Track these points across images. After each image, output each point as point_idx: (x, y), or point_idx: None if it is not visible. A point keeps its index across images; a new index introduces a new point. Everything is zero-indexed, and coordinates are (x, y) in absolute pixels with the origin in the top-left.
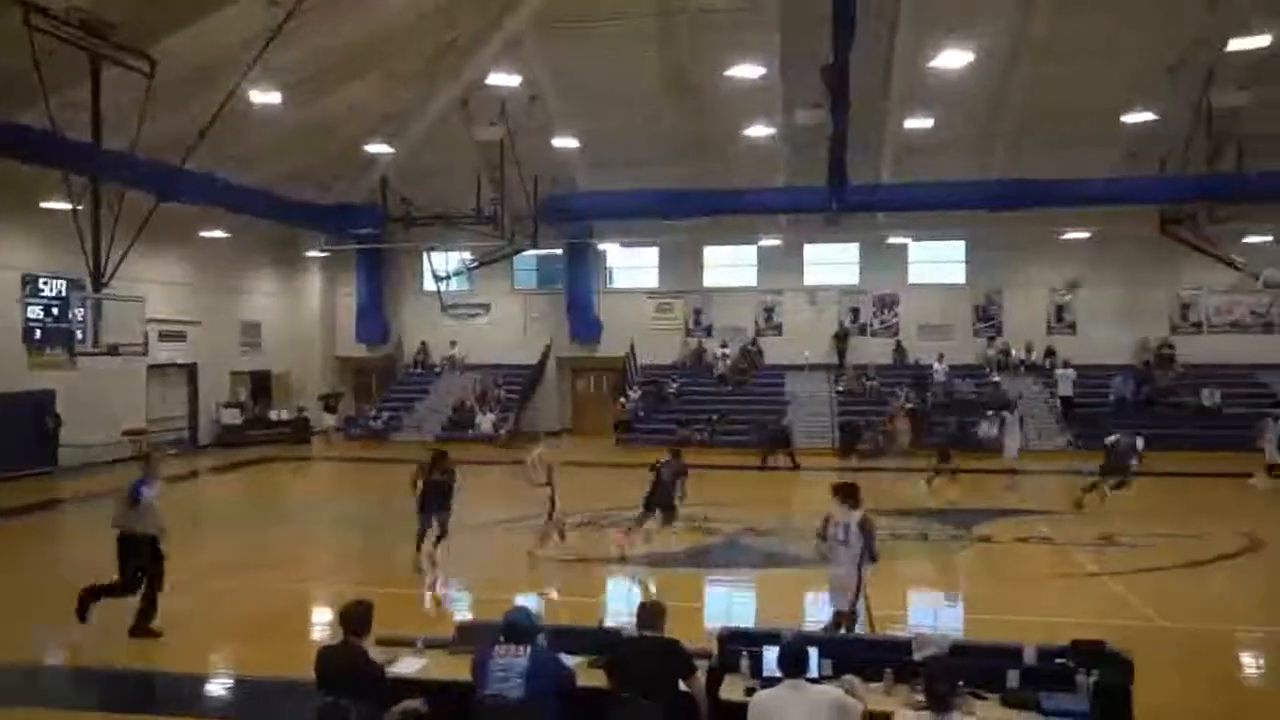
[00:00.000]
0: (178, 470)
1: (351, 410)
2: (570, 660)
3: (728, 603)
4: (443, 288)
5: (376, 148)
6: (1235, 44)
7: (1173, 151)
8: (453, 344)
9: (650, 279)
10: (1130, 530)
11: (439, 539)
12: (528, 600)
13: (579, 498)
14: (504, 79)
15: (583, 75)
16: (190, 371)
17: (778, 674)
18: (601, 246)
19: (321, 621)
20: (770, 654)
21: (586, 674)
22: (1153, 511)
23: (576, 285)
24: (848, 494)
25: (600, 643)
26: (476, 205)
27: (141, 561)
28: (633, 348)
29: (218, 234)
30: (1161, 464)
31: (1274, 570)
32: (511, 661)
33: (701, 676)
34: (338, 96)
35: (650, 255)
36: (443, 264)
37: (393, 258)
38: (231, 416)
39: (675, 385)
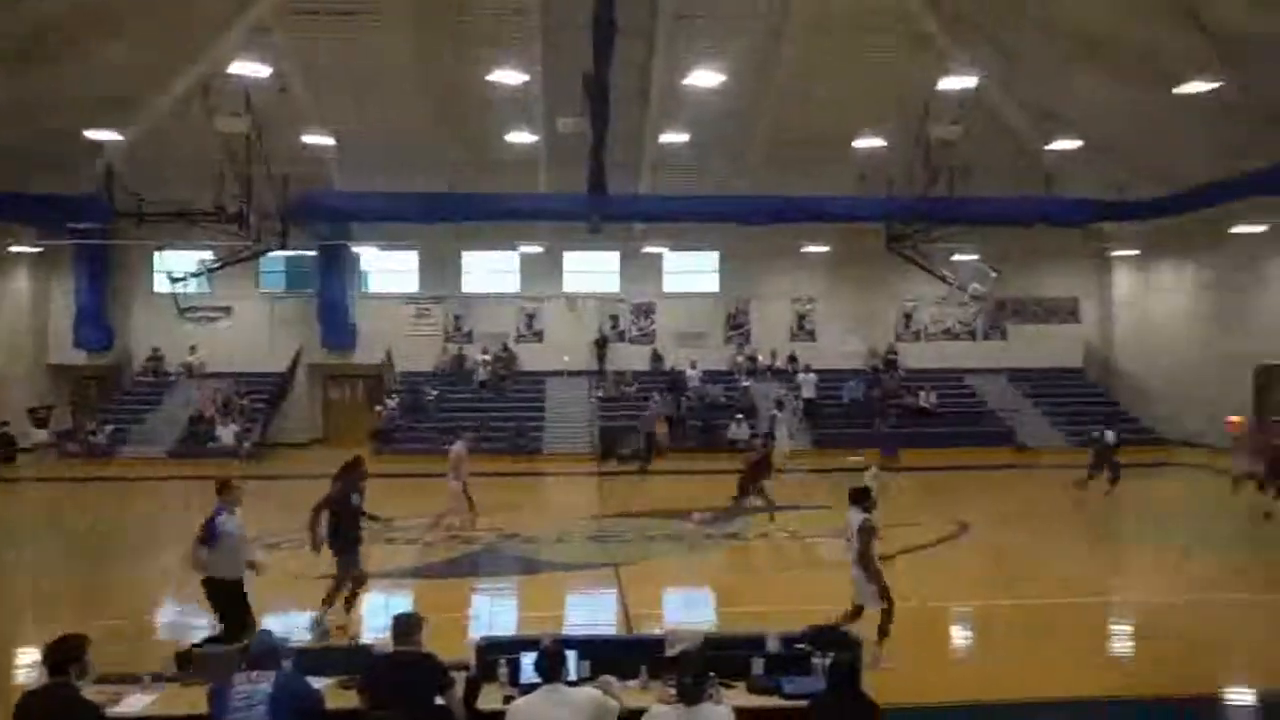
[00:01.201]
0: None
1: (68, 424)
2: (319, 682)
3: (489, 611)
4: (178, 289)
5: (101, 134)
6: (944, 83)
7: (898, 176)
8: (192, 349)
9: (409, 283)
10: None
11: (353, 594)
12: (284, 620)
13: None
14: (250, 68)
15: (337, 70)
16: None
17: (536, 680)
18: (357, 249)
19: (25, 664)
20: (528, 660)
21: (336, 696)
22: (880, 503)
23: (330, 289)
24: (855, 498)
25: (352, 661)
26: (218, 202)
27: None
28: (390, 354)
29: None
30: (887, 460)
31: (979, 551)
32: (254, 689)
33: (459, 689)
34: (54, 72)
35: (409, 259)
36: (179, 264)
37: (121, 256)
38: None
39: (435, 392)
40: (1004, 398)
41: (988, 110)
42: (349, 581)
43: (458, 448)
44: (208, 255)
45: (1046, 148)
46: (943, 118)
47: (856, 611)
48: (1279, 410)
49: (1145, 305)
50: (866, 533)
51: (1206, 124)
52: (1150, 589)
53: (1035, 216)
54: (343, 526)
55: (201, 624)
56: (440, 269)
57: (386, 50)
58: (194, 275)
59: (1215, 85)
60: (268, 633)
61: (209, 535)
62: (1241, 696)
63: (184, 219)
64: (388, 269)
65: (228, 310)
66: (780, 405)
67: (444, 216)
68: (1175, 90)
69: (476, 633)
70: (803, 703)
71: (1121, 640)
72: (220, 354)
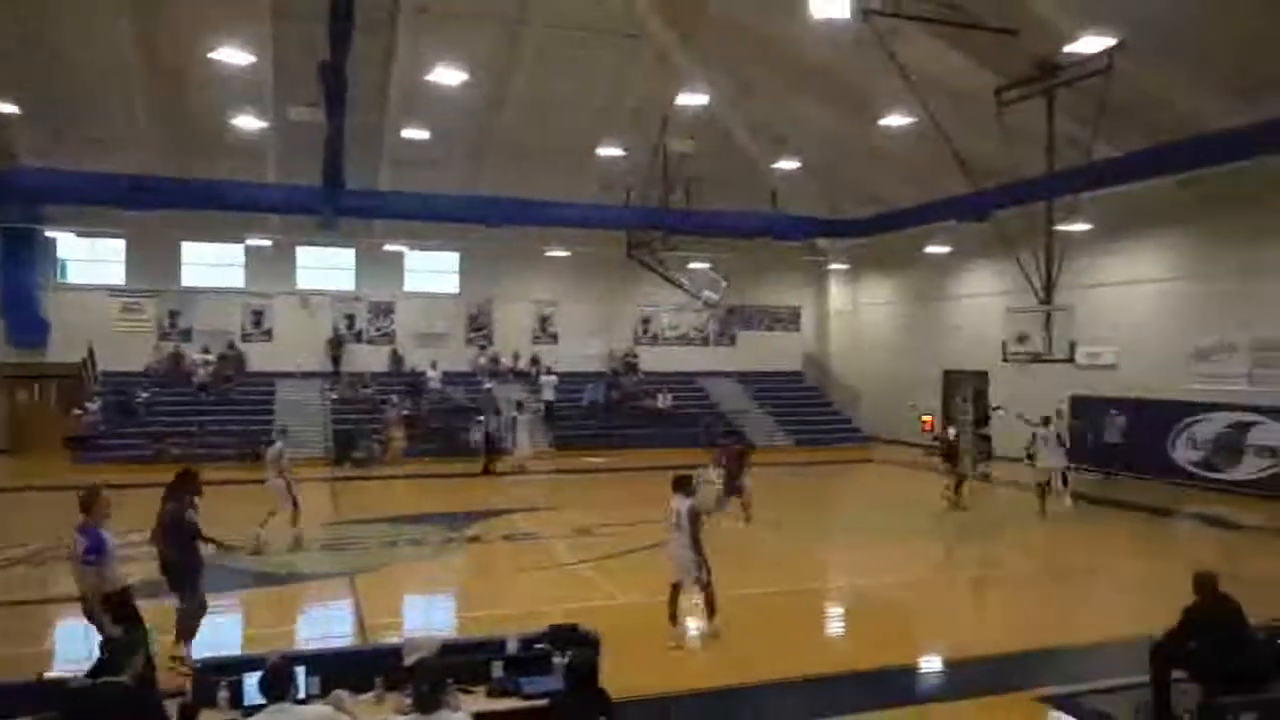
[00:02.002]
0: None
1: None
2: None
3: (209, 632)
4: None
5: None
6: (681, 99)
7: (636, 185)
8: None
9: (115, 275)
10: (599, 522)
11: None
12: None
13: (22, 531)
14: None
15: (24, 29)
16: None
17: (261, 701)
18: (51, 234)
19: None
20: (251, 681)
21: None
22: (618, 503)
23: (16, 278)
24: (680, 485)
25: (41, 697)
26: None
27: None
28: (91, 352)
29: None
30: (625, 460)
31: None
32: None
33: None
34: None
35: (116, 248)
36: None
37: None
38: None
39: (146, 395)
40: (734, 400)
41: (720, 128)
42: (199, 611)
43: (276, 448)
44: None
45: (772, 166)
46: (680, 132)
47: (676, 589)
48: (961, 409)
49: (855, 315)
50: (695, 516)
51: (906, 154)
52: (861, 574)
53: (761, 230)
54: (180, 552)
55: None
56: (154, 259)
57: (89, 14)
58: None
59: (911, 120)
60: None
61: (95, 549)
62: (933, 663)
63: None
64: (90, 258)
65: None
66: (520, 408)
67: (157, 203)
68: (880, 122)
69: (194, 656)
70: (543, 702)
71: (836, 621)
72: None
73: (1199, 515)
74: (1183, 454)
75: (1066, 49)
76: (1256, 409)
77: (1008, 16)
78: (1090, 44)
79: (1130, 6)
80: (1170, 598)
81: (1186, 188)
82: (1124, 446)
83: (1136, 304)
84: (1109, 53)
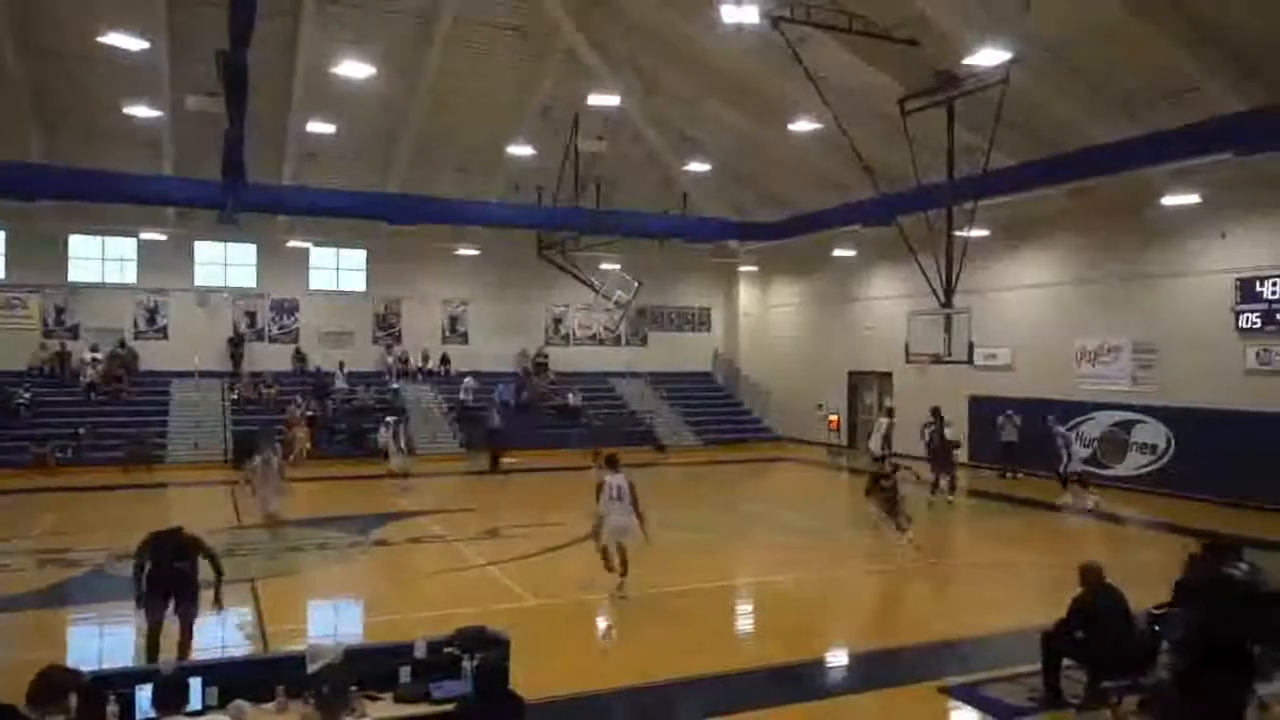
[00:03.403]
0: None
1: None
2: None
3: (96, 645)
4: None
5: None
6: (592, 99)
7: (547, 185)
8: None
9: None
10: (507, 523)
11: None
12: None
13: None
14: None
15: None
16: None
17: (153, 715)
18: None
19: None
20: (144, 694)
21: None
22: (527, 504)
23: None
24: (612, 462)
25: None
26: None
27: None
28: None
29: None
30: (535, 460)
31: None
32: None
33: None
34: None
35: None
36: None
37: None
38: None
39: (28, 395)
40: (644, 399)
41: (631, 129)
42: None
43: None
44: None
45: (683, 169)
46: (591, 132)
47: (606, 552)
48: (867, 409)
49: (764, 316)
50: (633, 486)
51: (815, 160)
52: (768, 571)
53: (671, 232)
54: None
55: None
56: (37, 252)
57: None
58: None
59: (818, 126)
60: None
61: None
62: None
63: None
64: None
65: None
66: (391, 416)
67: (39, 192)
68: (789, 127)
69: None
70: (450, 707)
71: (745, 618)
72: None
73: (1087, 510)
74: (1073, 451)
75: (965, 61)
76: (1138, 408)
77: (912, 29)
78: (987, 57)
79: (1022, 23)
80: (1057, 589)
81: (1075, 197)
82: (1020, 446)
83: (1030, 308)
84: (1005, 66)
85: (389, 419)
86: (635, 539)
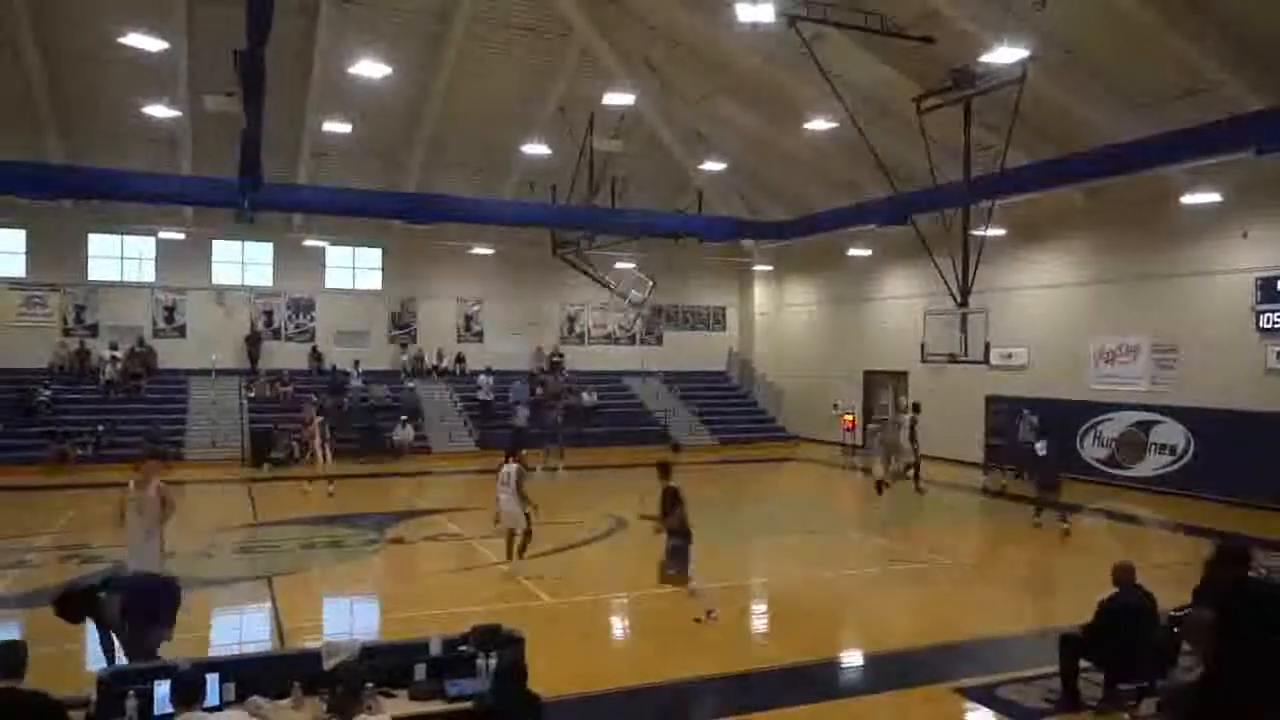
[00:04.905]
0: None
1: None
2: None
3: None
4: None
5: None
6: (607, 99)
7: (562, 184)
8: None
9: (16, 267)
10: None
11: None
12: None
13: None
14: None
15: None
16: None
17: (171, 711)
18: None
19: None
20: (162, 690)
21: None
22: (542, 502)
23: None
24: (510, 455)
25: None
26: None
27: None
28: None
29: None
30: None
31: (635, 545)
32: None
33: None
34: None
35: (15, 238)
36: None
37: None
38: None
39: (48, 393)
40: (659, 398)
41: (646, 128)
42: None
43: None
44: None
45: (698, 168)
46: (606, 131)
47: (511, 535)
48: (882, 409)
49: (779, 316)
50: (522, 476)
51: (829, 159)
52: (782, 570)
53: (685, 231)
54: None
55: None
56: (58, 251)
57: None
58: None
59: (833, 125)
60: None
61: None
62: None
63: None
64: None
65: None
66: (319, 412)
67: (61, 192)
68: (804, 126)
69: (99, 665)
70: (467, 705)
71: (759, 618)
72: None
73: (1105, 511)
74: (1090, 452)
75: (982, 59)
76: (1156, 408)
77: (927, 26)
78: (1004, 55)
79: (1038, 20)
80: (1076, 589)
81: (1093, 197)
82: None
83: (1047, 307)
84: (1022, 64)
85: (319, 420)
86: (519, 528)
